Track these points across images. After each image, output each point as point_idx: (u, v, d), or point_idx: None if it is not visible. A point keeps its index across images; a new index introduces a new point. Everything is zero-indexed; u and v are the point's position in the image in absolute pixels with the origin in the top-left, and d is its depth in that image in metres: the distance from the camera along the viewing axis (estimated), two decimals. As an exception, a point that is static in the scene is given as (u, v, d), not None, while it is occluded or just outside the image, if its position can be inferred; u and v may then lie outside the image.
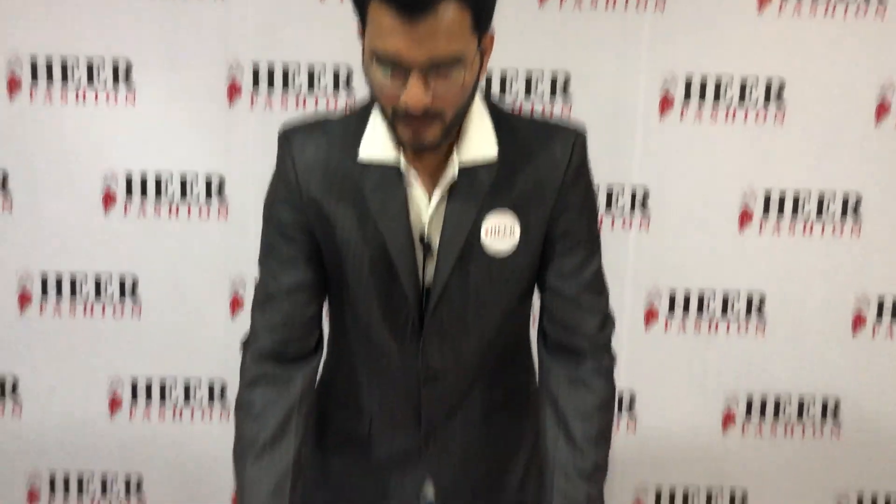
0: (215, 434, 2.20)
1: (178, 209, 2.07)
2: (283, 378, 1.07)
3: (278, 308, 1.07)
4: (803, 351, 2.12)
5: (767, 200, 2.04)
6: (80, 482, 2.23)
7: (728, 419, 2.15)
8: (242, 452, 1.03)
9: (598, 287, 1.10)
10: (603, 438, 1.07)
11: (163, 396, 2.19)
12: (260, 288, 1.09)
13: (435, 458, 1.15)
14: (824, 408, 2.15)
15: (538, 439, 1.11)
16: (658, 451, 2.18)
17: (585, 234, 1.08)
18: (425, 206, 1.04)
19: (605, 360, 1.10)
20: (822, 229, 2.04)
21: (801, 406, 2.15)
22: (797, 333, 2.11)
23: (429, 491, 1.16)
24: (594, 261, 1.09)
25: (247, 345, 1.10)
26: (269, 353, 1.07)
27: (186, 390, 2.19)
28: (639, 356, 2.11)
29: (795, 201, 2.04)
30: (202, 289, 2.12)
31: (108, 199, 2.06)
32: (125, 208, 2.07)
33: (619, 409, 2.19)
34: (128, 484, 2.24)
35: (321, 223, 1.05)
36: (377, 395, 1.15)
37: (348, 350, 1.16)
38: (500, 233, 1.04)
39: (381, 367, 1.13)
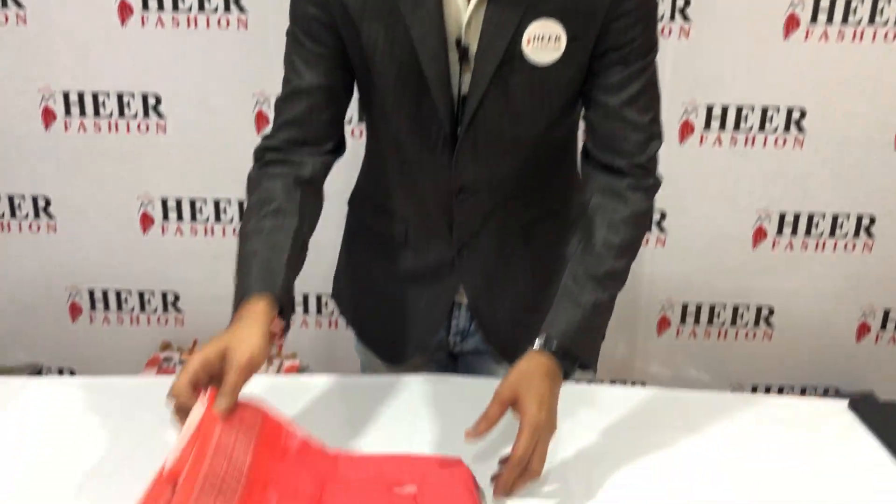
0: (247, 250, 2.23)
1: (196, 21, 2.00)
2: (293, 162, 1.04)
3: (298, 104, 1.04)
4: (841, 167, 2.08)
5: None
6: (118, 298, 2.30)
7: (759, 234, 2.14)
8: (243, 226, 1.02)
9: (647, 103, 1.03)
10: (625, 250, 1.03)
11: (193, 216, 2.21)
12: (283, 83, 1.06)
13: (467, 270, 1.14)
14: (858, 223, 2.13)
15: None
16: (686, 266, 2.19)
17: (639, 45, 1.00)
18: (463, 8, 0.97)
19: (646, 178, 1.05)
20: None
21: (834, 222, 2.13)
22: (836, 151, 2.07)
23: (462, 300, 1.16)
24: (645, 74, 1.02)
25: (264, 137, 1.07)
26: (282, 144, 1.05)
27: (217, 208, 2.20)
28: (672, 170, 2.08)
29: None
30: (226, 105, 2.09)
31: (125, 10, 2.00)
32: (142, 20, 2.01)
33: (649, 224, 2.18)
34: (165, 300, 2.30)
35: (346, 22, 1.00)
36: (410, 205, 1.13)
37: (381, 160, 1.13)
38: (545, 41, 0.97)
39: (412, 179, 1.10)
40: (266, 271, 0.96)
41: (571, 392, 1.11)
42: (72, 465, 0.93)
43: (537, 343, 0.97)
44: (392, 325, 1.21)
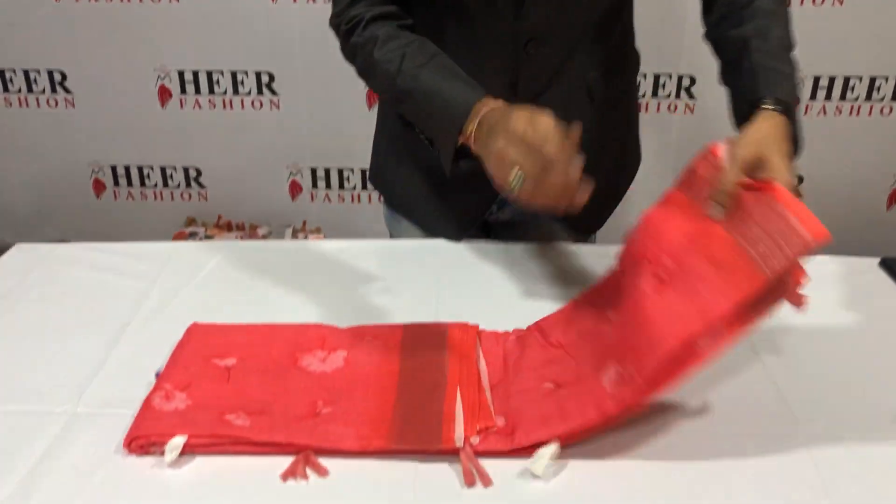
0: (263, 122, 2.21)
1: None
2: (400, 15, 0.99)
3: None
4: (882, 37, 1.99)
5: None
6: (141, 174, 2.30)
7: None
8: (395, 69, 0.94)
9: None
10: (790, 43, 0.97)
11: (211, 89, 2.18)
12: None
13: None
14: (896, 88, 2.06)
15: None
16: (715, 133, 2.13)
17: None
18: None
19: None
20: None
21: (871, 84, 2.06)
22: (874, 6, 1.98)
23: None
24: None
25: (339, 16, 1.01)
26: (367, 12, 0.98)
27: (234, 81, 2.16)
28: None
29: None
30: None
31: None
32: None
33: (678, 92, 2.12)
34: (187, 175, 2.30)
35: None
36: (466, 66, 1.06)
37: (432, 17, 1.04)
38: None
39: (471, 31, 1.02)
40: (469, 83, 0.93)
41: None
42: (101, 321, 0.95)
43: (767, 104, 0.89)
44: (440, 202, 1.15)
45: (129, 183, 2.32)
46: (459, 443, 0.73)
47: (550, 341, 0.88)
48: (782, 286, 0.72)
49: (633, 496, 0.70)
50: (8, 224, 2.31)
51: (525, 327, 0.92)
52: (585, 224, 1.20)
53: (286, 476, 0.71)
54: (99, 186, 2.32)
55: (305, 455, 0.73)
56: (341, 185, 2.32)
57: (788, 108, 0.89)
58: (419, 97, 0.93)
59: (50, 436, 0.76)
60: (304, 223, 2.36)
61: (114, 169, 2.29)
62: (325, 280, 1.05)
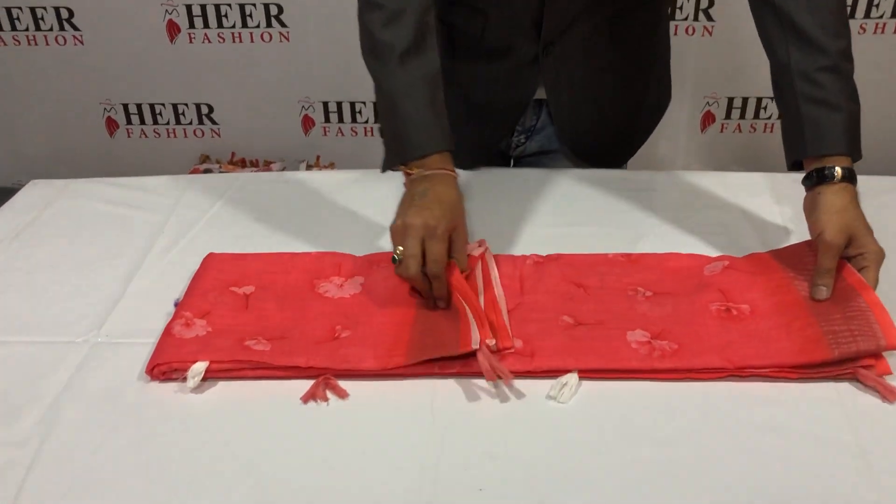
0: (274, 56, 2.18)
1: None
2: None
3: None
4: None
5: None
6: (153, 111, 2.29)
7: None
8: (383, 56, 0.90)
9: None
10: (843, 25, 0.88)
11: (220, 23, 2.14)
12: None
13: (550, 69, 1.04)
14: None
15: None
16: (734, 58, 2.09)
17: None
18: None
19: None
20: None
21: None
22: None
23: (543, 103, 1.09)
24: None
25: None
26: None
27: (242, 13, 2.12)
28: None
29: None
30: None
31: None
32: None
33: (696, 14, 2.07)
34: (199, 112, 2.28)
35: None
36: (494, 5, 1.02)
37: None
38: None
39: None
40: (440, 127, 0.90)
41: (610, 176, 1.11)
42: (118, 254, 0.95)
43: (823, 173, 0.84)
44: (458, 128, 1.13)
45: (142, 121, 2.31)
46: (476, 345, 0.74)
47: (572, 278, 0.87)
48: (847, 368, 0.73)
49: (652, 415, 0.71)
50: (22, 166, 2.31)
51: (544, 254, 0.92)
52: (611, 161, 1.18)
53: (307, 399, 0.72)
54: (112, 125, 2.31)
55: (325, 378, 0.73)
56: (354, 119, 2.29)
57: (843, 162, 0.85)
58: (394, 102, 0.89)
59: (72, 366, 0.78)
60: (318, 158, 2.35)
61: (125, 107, 2.28)
62: (340, 210, 1.05)
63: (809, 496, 0.62)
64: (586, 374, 0.74)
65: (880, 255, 0.81)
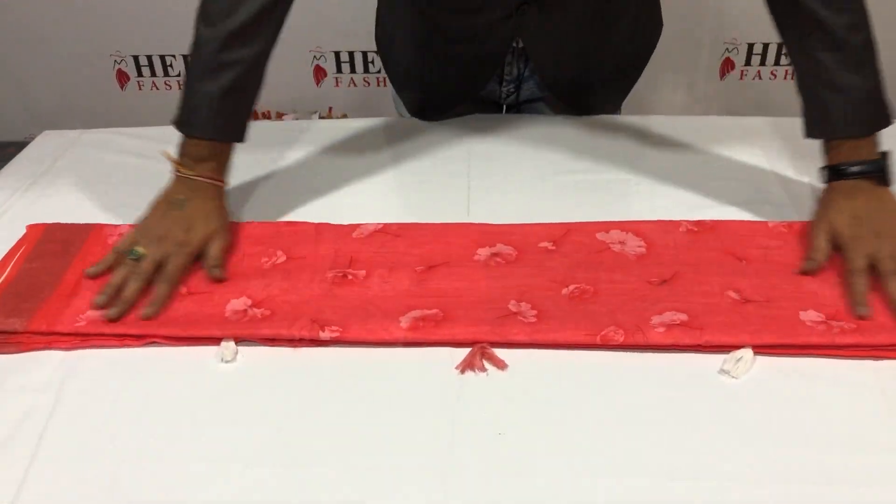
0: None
1: None
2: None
3: None
4: None
5: None
6: (164, 63, 2.26)
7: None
8: (212, 24, 0.86)
9: None
10: (862, 15, 0.83)
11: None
12: None
13: (529, 20, 1.01)
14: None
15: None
16: (754, 2, 2.03)
17: None
18: None
19: None
20: None
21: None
22: None
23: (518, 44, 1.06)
24: None
25: None
26: None
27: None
28: None
29: None
30: None
31: None
32: None
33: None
34: (210, 63, 2.26)
35: None
36: None
37: None
38: None
39: None
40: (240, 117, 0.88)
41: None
42: (131, 205, 0.94)
43: (836, 169, 0.83)
44: (438, 76, 1.12)
45: (153, 73, 2.28)
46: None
47: (731, 249, 0.83)
48: None
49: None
50: (34, 118, 2.31)
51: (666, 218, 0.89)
52: (603, 106, 1.16)
53: (463, 369, 0.70)
54: (122, 77, 2.29)
55: (482, 348, 0.71)
56: (366, 69, 2.26)
57: (839, 158, 0.83)
58: (203, 72, 0.86)
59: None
60: (330, 109, 2.33)
61: (136, 59, 2.26)
62: (354, 158, 1.04)
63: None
64: (761, 349, 0.70)
65: (853, 243, 0.78)
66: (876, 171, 0.82)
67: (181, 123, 0.86)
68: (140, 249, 0.80)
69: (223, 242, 0.84)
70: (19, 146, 1.12)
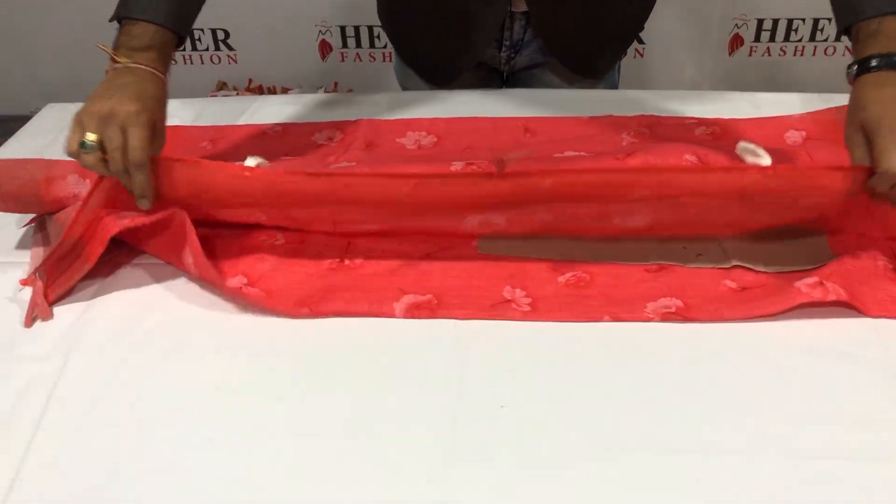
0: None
1: None
2: None
3: None
4: None
5: None
6: (168, 37, 2.25)
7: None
8: None
9: None
10: None
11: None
12: None
13: None
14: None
15: None
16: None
17: None
18: None
19: None
20: None
21: None
22: None
23: (519, 8, 1.06)
24: None
25: None
26: None
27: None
28: None
29: None
30: None
31: None
32: None
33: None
34: (215, 37, 2.25)
35: None
36: None
37: None
38: None
39: None
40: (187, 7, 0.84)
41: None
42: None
43: (867, 64, 0.74)
44: (440, 40, 1.12)
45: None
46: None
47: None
48: None
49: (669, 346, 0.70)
50: (39, 92, 2.30)
51: None
52: (602, 67, 1.16)
53: None
54: (127, 52, 2.28)
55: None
56: (371, 44, 2.25)
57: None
58: None
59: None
60: (336, 84, 2.31)
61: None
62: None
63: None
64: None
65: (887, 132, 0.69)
66: None
67: (121, 6, 0.81)
68: (91, 136, 0.73)
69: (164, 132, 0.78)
70: (24, 120, 1.12)
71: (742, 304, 0.71)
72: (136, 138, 0.73)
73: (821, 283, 0.70)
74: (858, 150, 0.72)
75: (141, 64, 0.79)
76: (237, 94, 2.26)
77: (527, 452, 0.60)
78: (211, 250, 0.79)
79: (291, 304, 0.74)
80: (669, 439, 0.60)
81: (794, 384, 0.65)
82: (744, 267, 0.76)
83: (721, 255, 0.77)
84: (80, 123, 0.75)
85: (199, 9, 0.86)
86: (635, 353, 0.68)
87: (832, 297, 0.69)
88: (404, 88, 1.24)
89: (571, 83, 1.15)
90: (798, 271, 0.74)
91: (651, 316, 0.71)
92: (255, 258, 0.80)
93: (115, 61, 0.80)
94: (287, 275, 0.78)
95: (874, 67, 0.73)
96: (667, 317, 0.71)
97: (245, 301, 0.75)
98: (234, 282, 0.77)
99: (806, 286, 0.70)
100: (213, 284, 0.76)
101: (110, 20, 0.82)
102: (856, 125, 0.72)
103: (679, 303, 0.72)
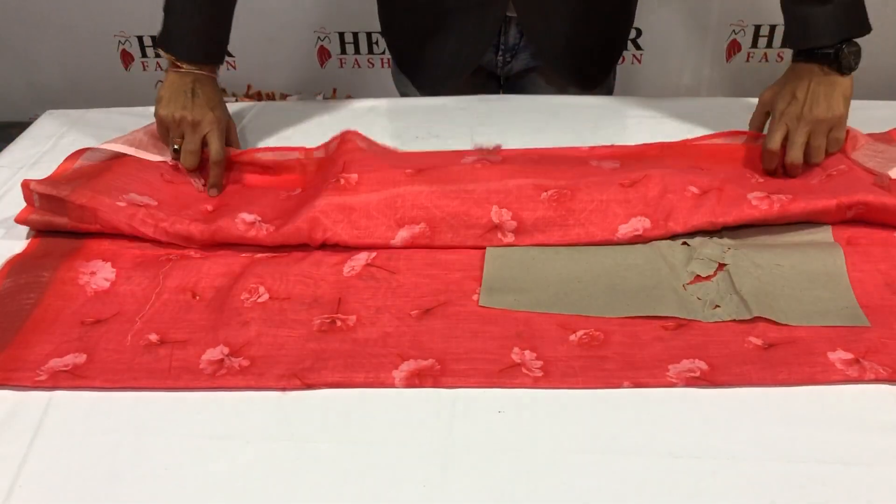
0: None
1: None
2: None
3: None
4: None
5: None
6: (167, 44, 2.25)
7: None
8: None
9: None
10: None
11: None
12: None
13: None
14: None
15: None
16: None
17: None
18: None
19: None
20: None
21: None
22: None
23: (512, 14, 1.06)
24: None
25: None
26: None
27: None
28: None
29: None
30: None
31: None
32: None
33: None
34: (214, 44, 2.25)
35: None
36: None
37: None
38: None
39: None
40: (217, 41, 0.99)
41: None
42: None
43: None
44: (436, 46, 1.12)
45: (157, 53, 2.28)
46: None
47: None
48: None
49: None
50: (38, 99, 2.30)
51: None
52: (596, 74, 1.17)
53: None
54: (127, 58, 2.28)
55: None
56: (370, 50, 2.25)
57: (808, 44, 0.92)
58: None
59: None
60: (334, 91, 2.32)
61: (140, 39, 2.25)
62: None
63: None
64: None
65: (780, 113, 0.90)
66: (831, 56, 0.89)
67: (164, 36, 0.97)
68: (176, 145, 0.93)
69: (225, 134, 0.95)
70: (23, 126, 1.12)
71: (770, 369, 0.66)
72: (215, 141, 0.93)
73: (857, 361, 0.66)
74: (758, 118, 0.97)
75: (202, 68, 0.96)
76: (236, 100, 2.26)
77: (525, 457, 0.60)
78: (186, 318, 0.74)
79: (278, 377, 0.67)
80: (669, 443, 0.60)
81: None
82: (766, 320, 0.71)
83: (740, 306, 0.72)
84: (166, 127, 0.95)
85: (229, 30, 1.01)
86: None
87: (870, 377, 0.65)
88: (402, 95, 1.24)
89: (567, 88, 1.15)
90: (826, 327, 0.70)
91: (674, 381, 0.65)
92: (238, 322, 0.72)
93: (177, 66, 0.95)
94: (273, 338, 0.71)
95: (801, 56, 0.92)
96: (691, 382, 0.65)
97: (226, 388, 0.67)
98: (216, 353, 0.69)
99: (841, 362, 0.66)
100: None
101: (154, 47, 0.93)
102: (766, 98, 0.95)
103: (703, 365, 0.66)
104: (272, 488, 0.58)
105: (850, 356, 0.66)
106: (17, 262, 0.80)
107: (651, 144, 0.96)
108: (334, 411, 0.64)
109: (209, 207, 0.89)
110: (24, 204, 0.87)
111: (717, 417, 0.62)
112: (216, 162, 0.92)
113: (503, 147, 0.94)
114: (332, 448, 0.61)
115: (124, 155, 0.92)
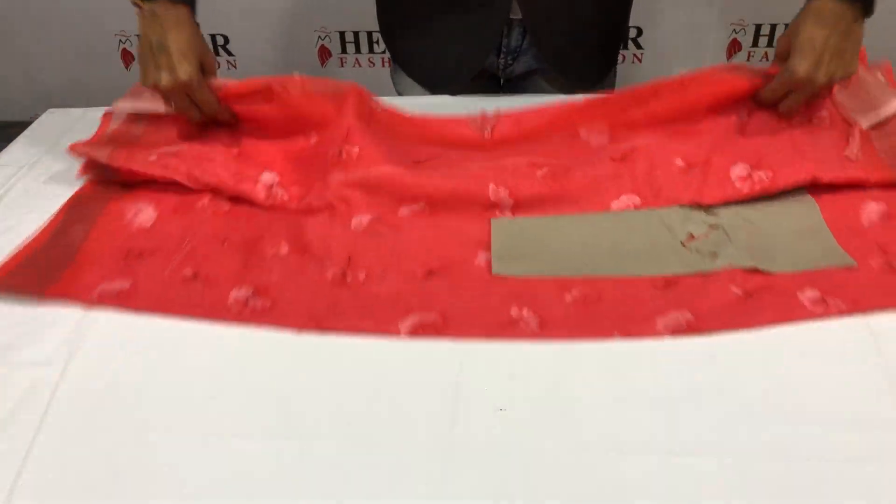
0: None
1: None
2: None
3: None
4: None
5: None
6: (168, 43, 2.25)
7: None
8: None
9: None
10: None
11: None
12: None
13: None
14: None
15: None
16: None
17: None
18: None
19: None
20: None
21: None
22: None
23: (515, 16, 1.07)
24: None
25: None
26: None
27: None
28: None
29: None
30: None
31: None
32: None
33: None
34: (215, 43, 2.25)
35: None
36: None
37: None
38: None
39: None
40: None
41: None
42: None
43: None
44: (439, 49, 1.13)
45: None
46: None
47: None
48: None
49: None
50: (39, 98, 2.30)
51: None
52: (598, 74, 1.18)
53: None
54: (128, 57, 2.28)
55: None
56: (371, 49, 2.25)
57: None
58: None
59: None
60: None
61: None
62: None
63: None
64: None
65: (791, 70, 0.83)
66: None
67: None
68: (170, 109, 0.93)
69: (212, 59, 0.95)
70: (24, 126, 1.13)
71: (748, 314, 0.71)
72: (203, 99, 0.91)
73: (823, 301, 0.72)
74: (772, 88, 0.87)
75: (163, 2, 0.90)
76: (237, 99, 2.26)
77: (527, 456, 0.60)
78: (217, 260, 0.81)
79: (301, 318, 0.73)
80: (669, 442, 0.61)
81: (788, 386, 0.65)
82: (755, 268, 0.76)
83: (737, 254, 0.77)
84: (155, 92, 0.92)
85: None
86: (635, 359, 0.69)
87: (833, 312, 0.71)
88: (400, 94, 1.24)
89: (566, 90, 1.15)
90: (805, 271, 0.76)
91: (662, 331, 0.70)
92: (261, 269, 0.79)
93: (139, 5, 0.91)
94: (293, 285, 0.77)
95: None
96: (678, 331, 0.70)
97: (250, 323, 0.73)
98: (241, 292, 0.76)
99: (808, 301, 0.72)
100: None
101: None
102: (781, 48, 0.86)
103: (689, 316, 0.71)
104: (273, 485, 0.58)
105: (817, 294, 0.72)
106: (74, 200, 0.90)
107: (644, 87, 0.93)
108: (338, 400, 0.64)
109: (234, 150, 0.94)
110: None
111: (718, 414, 0.63)
112: (211, 113, 0.93)
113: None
114: (334, 446, 0.61)
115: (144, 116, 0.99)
